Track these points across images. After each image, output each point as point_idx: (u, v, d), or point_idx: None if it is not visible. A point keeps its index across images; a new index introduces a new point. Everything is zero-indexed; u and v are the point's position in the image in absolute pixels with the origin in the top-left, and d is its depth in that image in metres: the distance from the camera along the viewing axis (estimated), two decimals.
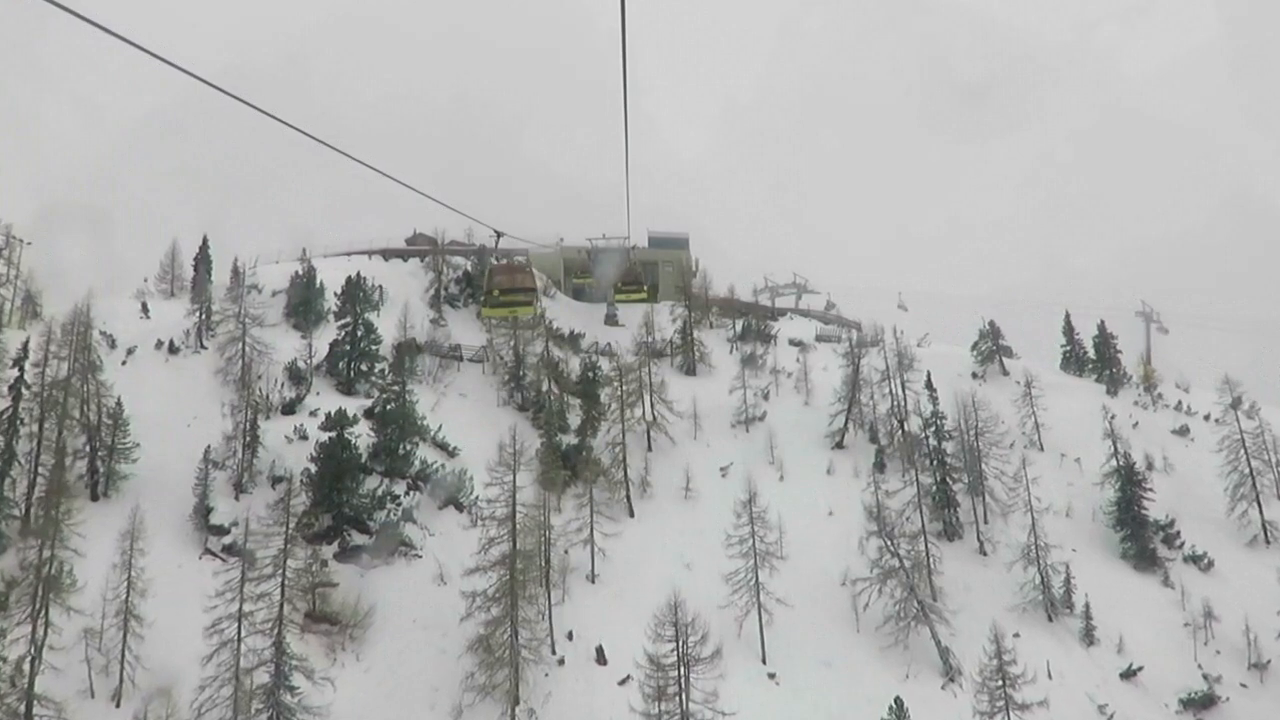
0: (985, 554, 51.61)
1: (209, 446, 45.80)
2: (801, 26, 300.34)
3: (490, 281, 23.56)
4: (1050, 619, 46.91)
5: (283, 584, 34.55)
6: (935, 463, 54.48)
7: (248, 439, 47.30)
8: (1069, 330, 74.69)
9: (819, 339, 78.07)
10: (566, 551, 46.97)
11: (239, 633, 33.00)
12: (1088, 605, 46.32)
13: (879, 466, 57.68)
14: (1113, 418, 61.65)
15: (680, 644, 33.84)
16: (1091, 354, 73.28)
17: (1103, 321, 72.58)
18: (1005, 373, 70.20)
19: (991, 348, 71.27)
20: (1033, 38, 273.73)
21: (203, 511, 44.07)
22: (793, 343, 75.95)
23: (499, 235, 20.85)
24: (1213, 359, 74.91)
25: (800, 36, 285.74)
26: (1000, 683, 36.77)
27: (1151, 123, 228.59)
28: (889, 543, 45.87)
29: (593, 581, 46.34)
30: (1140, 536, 52.00)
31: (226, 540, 43.02)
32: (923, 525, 49.28)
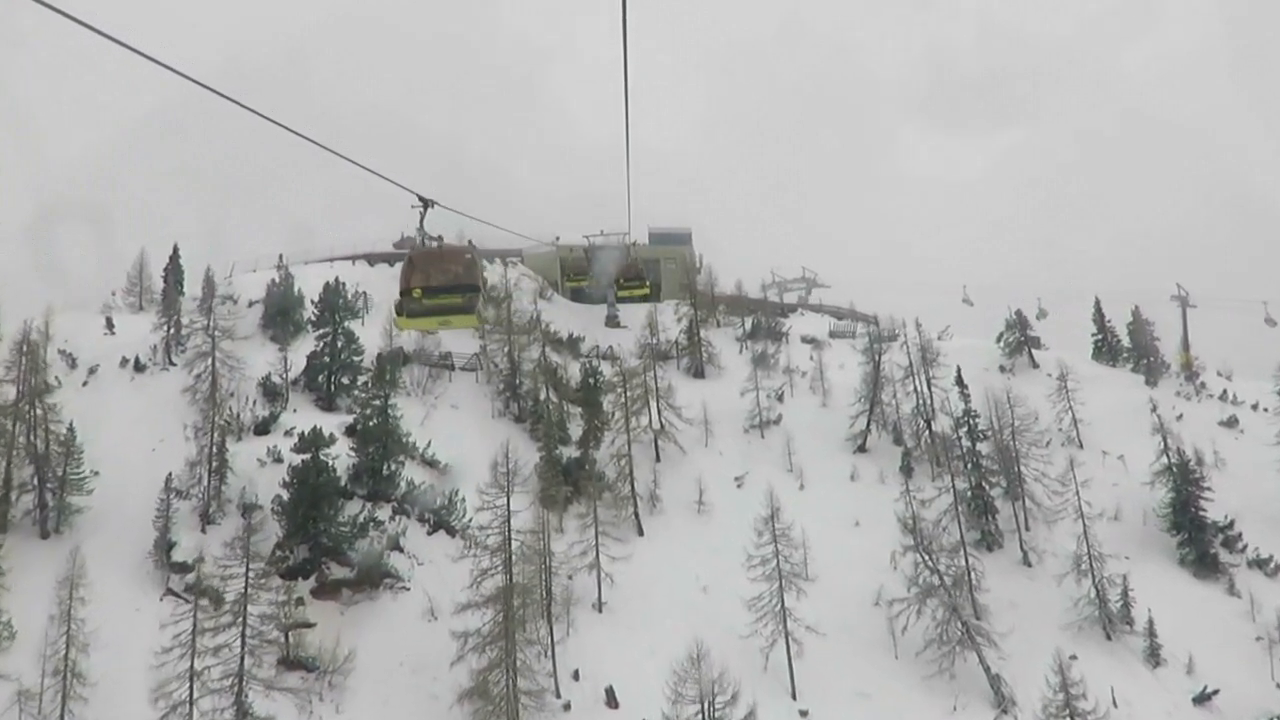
0: (1030, 564, 47.06)
1: (170, 474, 41.36)
2: (802, 25, 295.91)
3: (408, 277, 14.72)
4: (1109, 637, 42.34)
5: (243, 634, 30.07)
6: (970, 466, 49.97)
7: (214, 464, 42.90)
8: (1099, 318, 70.01)
9: (833, 335, 73.57)
10: (570, 577, 42.39)
11: (190, 694, 28.50)
12: (1151, 621, 41.68)
13: (906, 471, 53.23)
14: (1155, 410, 57.28)
15: (706, 707, 29.17)
16: (1126, 342, 68.65)
17: (1137, 307, 68.19)
18: (1035, 365, 65.64)
19: (1019, 339, 66.65)
20: (1032, 37, 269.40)
21: (164, 547, 39.66)
22: (805, 340, 71.44)
23: (426, 205, 12.98)
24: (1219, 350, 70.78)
25: (801, 35, 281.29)
26: (1068, 718, 32.30)
27: (1152, 121, 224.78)
28: (927, 558, 41.37)
29: (599, 611, 41.82)
30: (1199, 540, 47.42)
31: (191, 578, 38.58)
32: (961, 536, 44.75)
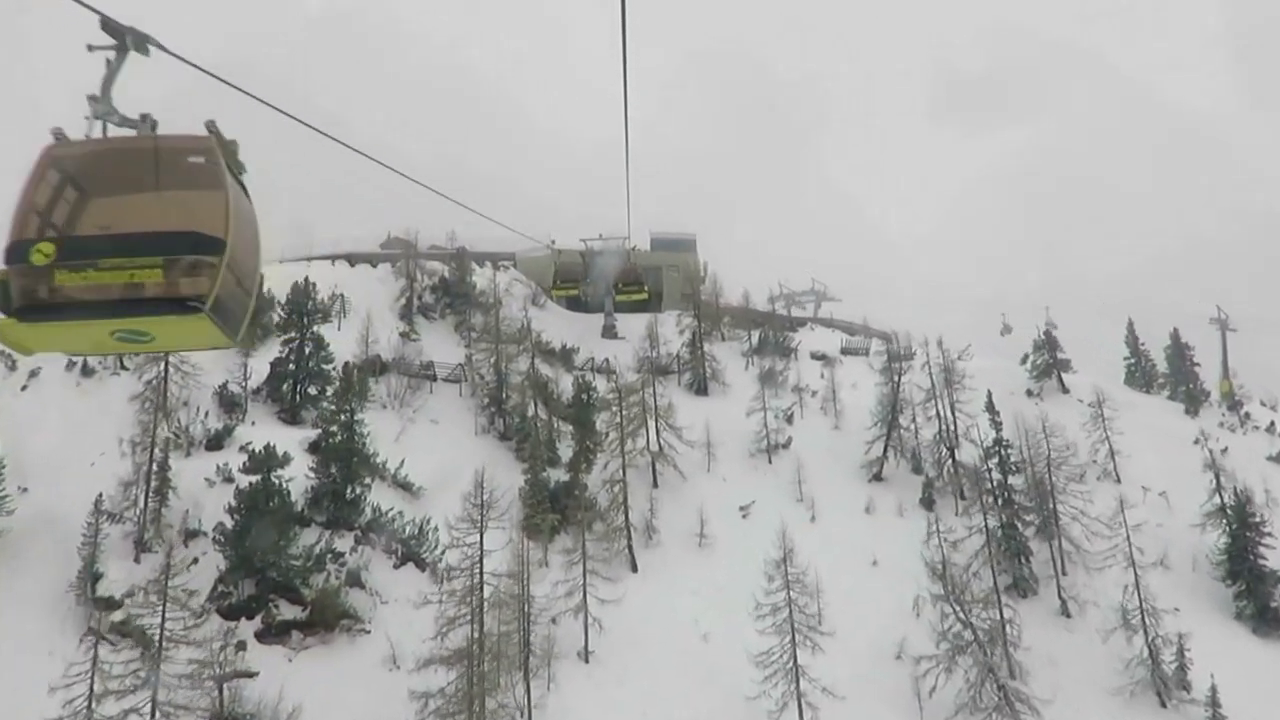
0: (1069, 615, 42.11)
1: (100, 494, 36.36)
2: (802, 23, 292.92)
3: (31, 208, 5.96)
4: (1164, 705, 37.33)
5: (154, 699, 25.01)
6: (1001, 501, 45.04)
7: (154, 482, 37.95)
8: (1132, 340, 65.15)
9: (845, 352, 68.79)
10: (554, 620, 37.51)
11: None
12: (1213, 687, 36.55)
13: (927, 503, 48.44)
14: (1197, 443, 52.48)
15: None
16: (1161, 367, 63.78)
17: (1176, 330, 63.27)
18: (1065, 390, 60.71)
19: (1049, 361, 61.68)
20: (1033, 33, 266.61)
21: (88, 578, 34.60)
22: (815, 356, 66.67)
23: (122, 42, 6.23)
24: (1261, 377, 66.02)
25: (801, 31, 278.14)
26: None
27: (1153, 120, 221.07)
28: (959, 610, 36.43)
29: (586, 661, 36.85)
30: (1259, 592, 42.49)
31: (118, 616, 33.56)
32: (995, 585, 39.80)
